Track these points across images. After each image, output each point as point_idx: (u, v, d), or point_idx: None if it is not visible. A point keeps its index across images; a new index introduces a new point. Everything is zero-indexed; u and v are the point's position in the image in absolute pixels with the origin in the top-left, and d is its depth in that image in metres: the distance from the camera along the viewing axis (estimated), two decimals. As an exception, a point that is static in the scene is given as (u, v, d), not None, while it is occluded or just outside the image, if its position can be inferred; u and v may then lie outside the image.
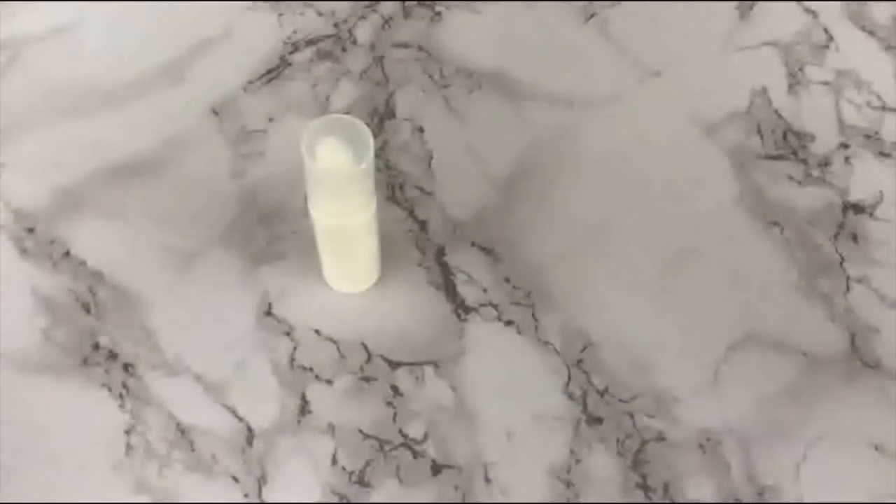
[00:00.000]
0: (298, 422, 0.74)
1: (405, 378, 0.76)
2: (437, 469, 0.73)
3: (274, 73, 0.88)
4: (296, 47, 0.89)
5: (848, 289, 0.80)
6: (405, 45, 0.89)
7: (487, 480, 0.73)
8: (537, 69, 0.88)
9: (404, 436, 0.74)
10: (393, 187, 0.83)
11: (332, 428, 0.74)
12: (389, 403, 0.75)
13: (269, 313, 0.78)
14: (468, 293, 0.79)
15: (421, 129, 0.85)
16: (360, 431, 0.74)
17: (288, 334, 0.77)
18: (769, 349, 0.77)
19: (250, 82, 0.87)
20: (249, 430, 0.74)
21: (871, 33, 0.91)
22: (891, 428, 0.75)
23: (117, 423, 0.74)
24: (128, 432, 0.73)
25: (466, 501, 0.72)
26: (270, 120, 0.85)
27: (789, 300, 0.79)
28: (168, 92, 0.86)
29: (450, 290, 0.79)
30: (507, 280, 0.79)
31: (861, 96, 0.88)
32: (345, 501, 0.72)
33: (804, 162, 0.85)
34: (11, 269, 0.79)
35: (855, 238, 0.82)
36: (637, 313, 0.78)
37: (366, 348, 0.77)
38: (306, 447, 0.73)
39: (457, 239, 0.81)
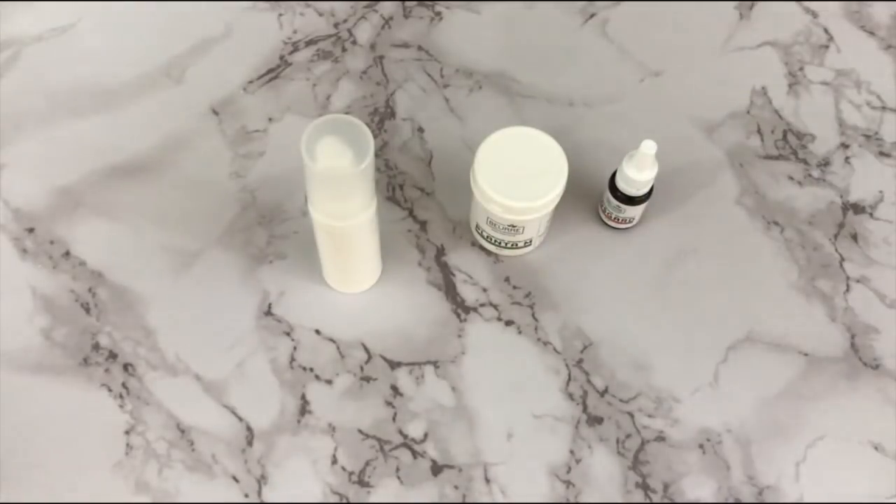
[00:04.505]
0: (298, 422, 0.74)
1: (405, 378, 0.76)
2: (437, 469, 0.73)
3: (274, 73, 0.88)
4: (296, 47, 0.89)
5: (848, 289, 0.80)
6: (405, 45, 0.89)
7: (487, 480, 0.73)
8: (537, 69, 0.88)
9: (404, 436, 0.74)
10: (393, 187, 0.83)
11: (332, 428, 0.74)
12: (389, 403, 0.75)
13: (269, 313, 0.78)
14: (468, 293, 0.79)
15: (421, 129, 0.85)
16: (360, 431, 0.74)
17: (288, 334, 0.77)
18: (769, 349, 0.77)
19: (250, 82, 0.87)
20: (249, 430, 0.74)
21: (871, 33, 0.91)
22: (891, 428, 0.75)
23: (117, 423, 0.74)
24: (128, 432, 0.73)
25: (466, 501, 0.72)
26: (270, 120, 0.85)
27: (789, 300, 0.79)
28: (168, 92, 0.86)
29: (450, 290, 0.79)
30: (507, 280, 0.79)
31: (861, 96, 0.88)
32: (345, 501, 0.72)
33: (804, 162, 0.85)
34: (11, 269, 0.79)
35: (855, 238, 0.82)
36: (637, 313, 0.78)
37: (366, 348, 0.77)
38: (306, 447, 0.73)
39: (457, 239, 0.81)
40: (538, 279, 0.80)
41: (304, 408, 0.74)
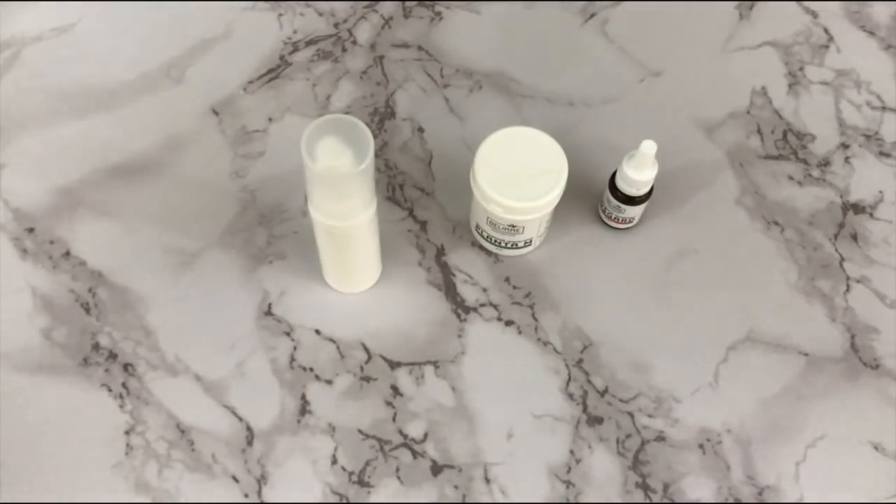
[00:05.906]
0: (298, 422, 0.74)
1: (405, 378, 0.76)
2: (437, 469, 0.73)
3: (274, 73, 0.88)
4: (296, 47, 0.89)
5: (848, 289, 0.80)
6: (405, 45, 0.89)
7: (487, 480, 0.73)
8: (537, 69, 0.88)
9: (404, 436, 0.74)
10: (393, 187, 0.83)
11: (332, 428, 0.74)
12: (389, 403, 0.75)
13: (269, 313, 0.78)
14: (468, 293, 0.79)
15: (421, 129, 0.85)
16: (360, 431, 0.74)
17: (288, 334, 0.77)
18: (769, 349, 0.77)
19: (250, 82, 0.87)
20: (249, 430, 0.74)
21: (871, 33, 0.91)
22: (891, 428, 0.75)
23: (117, 423, 0.74)
24: (128, 432, 0.73)
25: (466, 502, 0.72)
26: (270, 120, 0.85)
27: (789, 300, 0.79)
28: (168, 92, 0.86)
29: (450, 290, 0.79)
30: (507, 280, 0.79)
31: (861, 96, 0.88)
32: (345, 501, 0.72)
33: (804, 162, 0.85)
34: (11, 269, 0.79)
35: (855, 238, 0.82)
36: (637, 313, 0.78)
37: (366, 348, 0.77)
38: (306, 447, 0.73)
39: (457, 239, 0.81)
40: (538, 279, 0.79)
41: (304, 408, 0.74)
